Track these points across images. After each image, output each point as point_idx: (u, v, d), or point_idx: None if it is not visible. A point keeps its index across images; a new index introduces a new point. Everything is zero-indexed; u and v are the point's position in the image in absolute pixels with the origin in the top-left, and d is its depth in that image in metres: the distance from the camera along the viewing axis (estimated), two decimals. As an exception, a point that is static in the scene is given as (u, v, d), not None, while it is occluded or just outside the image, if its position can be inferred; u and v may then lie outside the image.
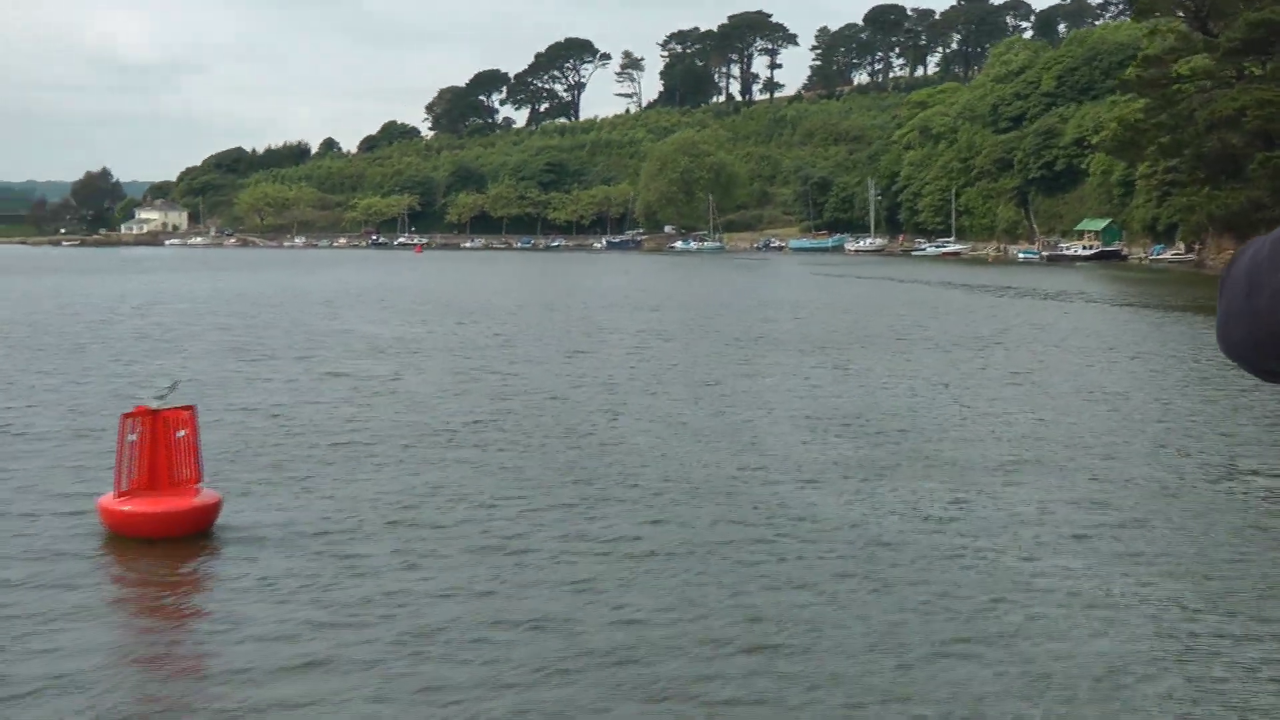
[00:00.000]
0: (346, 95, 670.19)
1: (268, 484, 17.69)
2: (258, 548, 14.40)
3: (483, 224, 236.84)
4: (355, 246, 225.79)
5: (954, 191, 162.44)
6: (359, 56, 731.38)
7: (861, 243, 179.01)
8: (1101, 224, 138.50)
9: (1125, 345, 40.60)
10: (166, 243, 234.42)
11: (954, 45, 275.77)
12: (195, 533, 14.43)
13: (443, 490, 17.39)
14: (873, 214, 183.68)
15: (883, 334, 44.11)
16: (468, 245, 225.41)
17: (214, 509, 14.71)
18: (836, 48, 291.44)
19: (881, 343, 40.58)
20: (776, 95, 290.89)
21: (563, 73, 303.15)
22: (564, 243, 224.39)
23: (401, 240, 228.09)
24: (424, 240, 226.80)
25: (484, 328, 47.16)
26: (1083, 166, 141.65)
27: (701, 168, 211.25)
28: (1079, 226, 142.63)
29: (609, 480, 18.12)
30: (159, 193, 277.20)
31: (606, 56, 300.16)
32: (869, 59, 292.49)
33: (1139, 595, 12.76)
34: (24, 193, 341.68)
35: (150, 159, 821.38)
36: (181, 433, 14.46)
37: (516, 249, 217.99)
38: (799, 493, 17.34)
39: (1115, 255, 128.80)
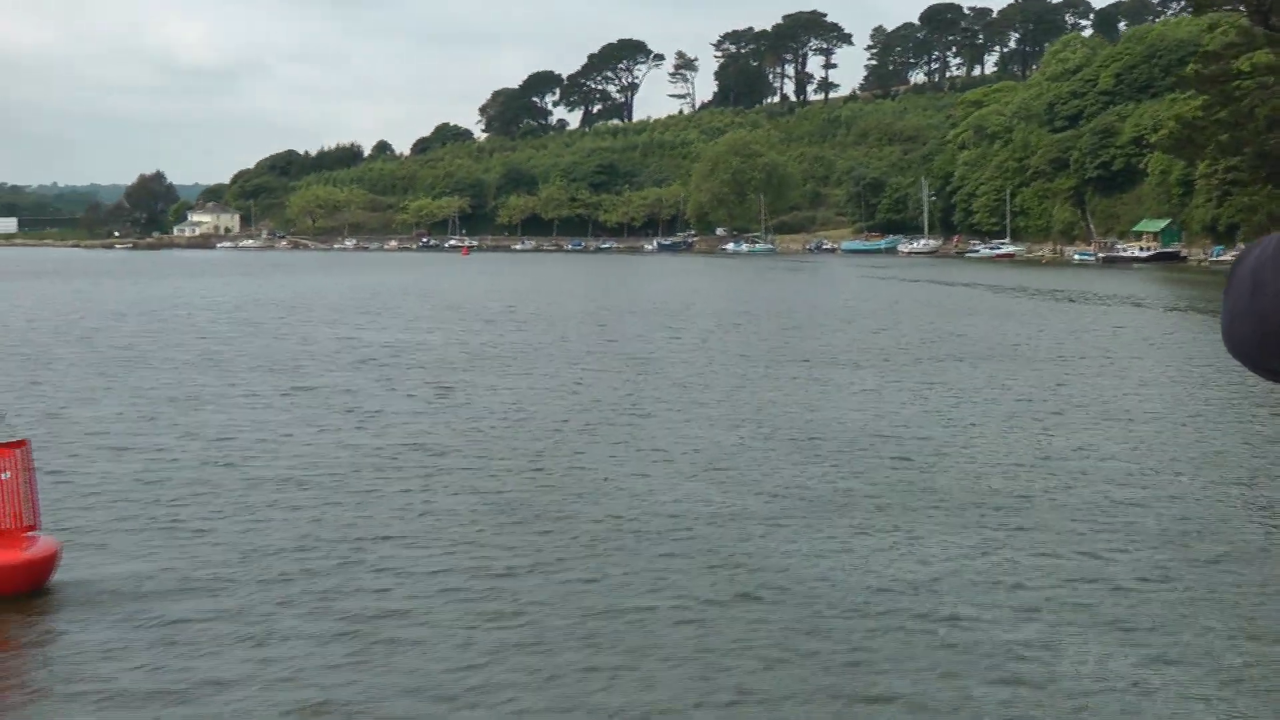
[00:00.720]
0: (404, 98, 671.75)
1: (132, 530, 15.34)
2: (98, 610, 12.27)
3: (533, 226, 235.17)
4: (406, 249, 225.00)
5: (1009, 192, 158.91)
6: (417, 59, 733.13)
7: (915, 244, 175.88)
8: (1160, 225, 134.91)
9: (1178, 357, 37.94)
10: (218, 246, 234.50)
11: (1012, 44, 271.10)
12: (24, 590, 12.31)
13: (350, 536, 15.12)
14: (926, 215, 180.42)
15: (916, 345, 41.55)
16: (518, 247, 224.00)
17: (46, 563, 12.56)
18: (892, 47, 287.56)
19: (906, 357, 38.02)
20: (831, 96, 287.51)
21: (616, 74, 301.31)
22: (614, 245, 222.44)
23: (452, 242, 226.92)
24: (473, 242, 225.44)
25: (488, 335, 45.04)
26: (1141, 166, 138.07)
27: (753, 168, 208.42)
28: (1137, 227, 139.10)
29: (579, 541, 15.80)
30: (212, 196, 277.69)
31: (660, 57, 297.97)
32: (925, 59, 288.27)
33: None
34: (88, 196, 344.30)
35: (207, 162, 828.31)
36: (5, 474, 12.32)
37: (567, 251, 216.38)
38: (768, 533, 14.99)
39: (1174, 257, 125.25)
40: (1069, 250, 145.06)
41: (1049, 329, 48.61)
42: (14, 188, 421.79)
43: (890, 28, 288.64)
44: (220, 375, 32.12)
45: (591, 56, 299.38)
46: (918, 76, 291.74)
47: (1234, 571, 13.66)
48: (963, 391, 29.75)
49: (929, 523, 15.78)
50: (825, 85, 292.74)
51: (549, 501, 17.08)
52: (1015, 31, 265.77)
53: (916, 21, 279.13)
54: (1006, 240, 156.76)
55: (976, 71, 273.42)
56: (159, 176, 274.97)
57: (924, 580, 13.28)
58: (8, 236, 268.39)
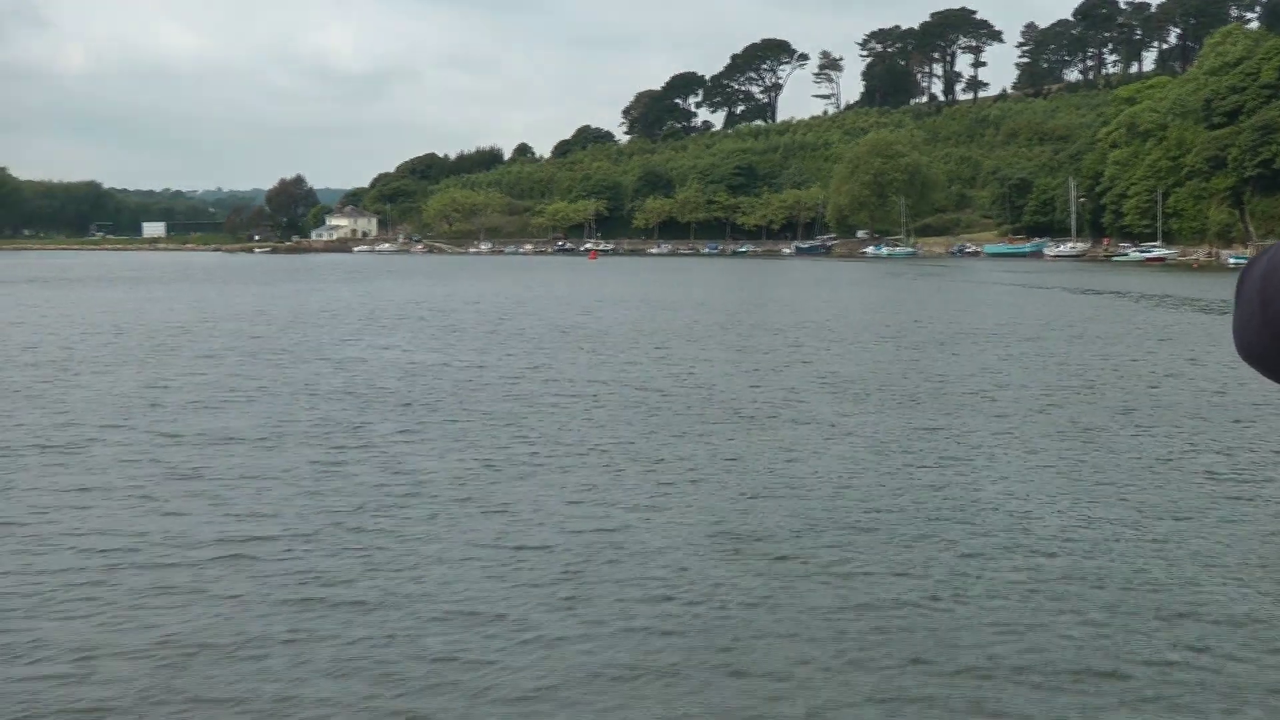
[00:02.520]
0: (551, 101, 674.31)
1: None
2: None
3: (670, 229, 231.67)
4: (541, 253, 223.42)
5: (1161, 192, 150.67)
6: (565, 62, 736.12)
7: (1061, 247, 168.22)
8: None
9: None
10: (355, 249, 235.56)
11: (1172, 39, 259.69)
12: None
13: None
14: (1074, 217, 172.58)
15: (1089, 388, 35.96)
16: (653, 251, 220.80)
17: None
18: (1046, 44, 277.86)
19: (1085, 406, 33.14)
20: (980, 95, 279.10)
21: (759, 74, 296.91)
22: (752, 248, 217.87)
23: (587, 246, 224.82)
24: (608, 246, 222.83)
25: (517, 361, 41.39)
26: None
27: (895, 169, 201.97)
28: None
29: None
30: (351, 200, 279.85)
31: (804, 57, 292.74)
32: (1080, 56, 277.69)
33: None
34: (250, 200, 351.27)
35: (354, 167, 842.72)
36: None
37: (703, 255, 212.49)
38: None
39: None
40: (1225, 254, 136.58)
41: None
42: (176, 193, 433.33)
43: (1043, 24, 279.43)
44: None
45: (735, 57, 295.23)
46: (1072, 74, 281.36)
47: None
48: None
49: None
50: (974, 84, 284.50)
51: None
52: (1175, 26, 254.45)
53: (1071, 17, 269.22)
54: (1158, 243, 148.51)
55: (1134, 68, 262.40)
56: (299, 180, 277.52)
57: None
58: (153, 241, 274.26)
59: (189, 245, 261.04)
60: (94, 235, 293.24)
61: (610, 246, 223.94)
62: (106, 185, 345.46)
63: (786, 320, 56.52)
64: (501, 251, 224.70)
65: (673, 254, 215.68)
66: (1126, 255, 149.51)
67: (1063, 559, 14.95)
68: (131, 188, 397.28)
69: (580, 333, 49.24)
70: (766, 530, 16.39)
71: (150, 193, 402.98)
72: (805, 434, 24.10)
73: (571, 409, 27.51)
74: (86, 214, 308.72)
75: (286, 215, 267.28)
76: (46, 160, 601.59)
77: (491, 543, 15.58)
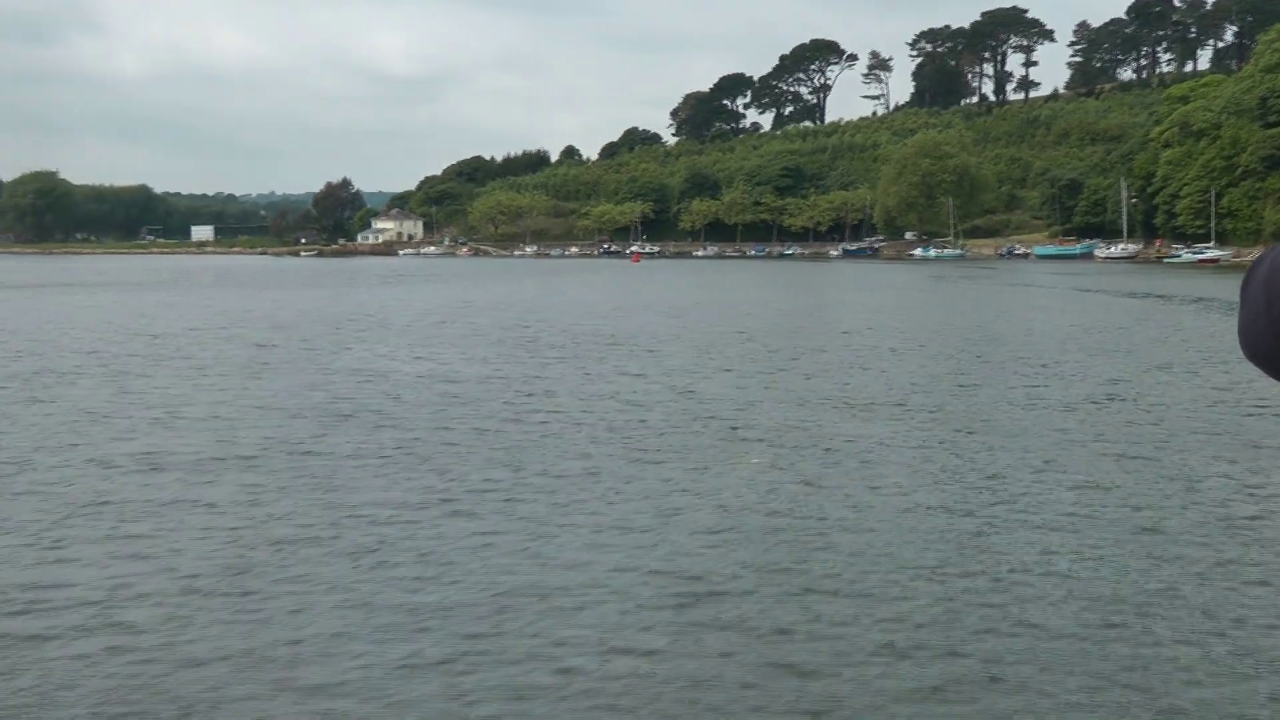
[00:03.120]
0: (599, 103, 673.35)
1: None
2: None
3: (717, 231, 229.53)
4: (587, 255, 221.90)
5: (1215, 192, 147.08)
6: (614, 65, 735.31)
7: (1112, 249, 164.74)
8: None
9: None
10: (400, 253, 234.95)
11: (1228, 37, 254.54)
12: None
13: None
14: (1125, 217, 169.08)
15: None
16: (699, 254, 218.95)
17: None
18: (1099, 43, 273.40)
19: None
20: (1031, 95, 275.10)
21: (808, 75, 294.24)
22: (798, 250, 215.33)
23: (632, 249, 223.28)
24: (653, 249, 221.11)
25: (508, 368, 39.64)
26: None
27: (944, 170, 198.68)
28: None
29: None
30: (398, 203, 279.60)
31: (853, 57, 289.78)
32: (1133, 54, 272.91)
33: None
34: (300, 203, 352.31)
35: (401, 170, 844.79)
36: None
37: (749, 257, 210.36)
38: None
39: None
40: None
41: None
42: (228, 196, 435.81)
43: (1095, 23, 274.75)
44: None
45: (783, 58, 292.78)
46: (1125, 73, 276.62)
47: None
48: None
49: None
50: (1025, 84, 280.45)
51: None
52: (1231, 23, 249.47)
53: (1124, 16, 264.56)
54: (1211, 244, 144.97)
55: (1188, 67, 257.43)
56: (345, 184, 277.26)
57: None
58: (201, 244, 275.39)
59: (236, 249, 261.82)
60: (144, 239, 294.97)
61: (656, 249, 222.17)
62: (159, 189, 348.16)
63: (820, 327, 54.64)
64: (547, 255, 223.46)
65: (719, 256, 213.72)
66: (1179, 256, 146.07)
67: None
68: (184, 191, 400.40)
69: (590, 340, 47.46)
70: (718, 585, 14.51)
71: (202, 196, 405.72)
72: (784, 478, 22.14)
73: (542, 429, 25.67)
74: (137, 218, 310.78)
75: (333, 218, 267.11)
76: (99, 164, 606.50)
77: (389, 602, 13.72)
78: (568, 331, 51.40)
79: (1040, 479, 20.14)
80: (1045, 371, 36.25)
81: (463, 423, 26.24)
